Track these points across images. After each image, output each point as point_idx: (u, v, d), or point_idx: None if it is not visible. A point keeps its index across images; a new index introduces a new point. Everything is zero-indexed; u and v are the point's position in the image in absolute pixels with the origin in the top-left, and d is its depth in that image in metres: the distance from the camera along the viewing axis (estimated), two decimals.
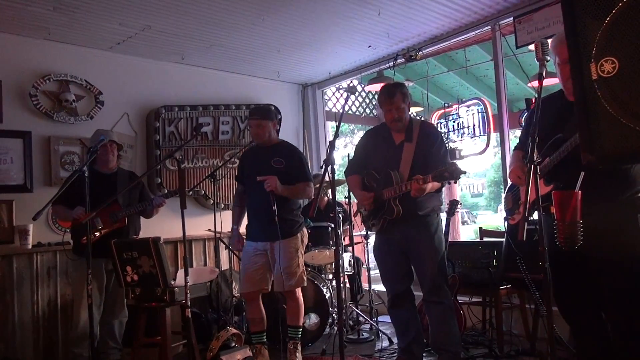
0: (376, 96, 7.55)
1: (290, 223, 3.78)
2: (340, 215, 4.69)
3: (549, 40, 2.26)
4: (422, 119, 6.24)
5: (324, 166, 2.66)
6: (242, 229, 4.03)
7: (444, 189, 3.53)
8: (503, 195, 3.19)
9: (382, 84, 5.81)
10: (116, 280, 3.80)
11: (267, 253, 3.78)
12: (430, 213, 3.36)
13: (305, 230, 3.95)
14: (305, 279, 3.91)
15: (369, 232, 5.42)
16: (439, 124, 6.24)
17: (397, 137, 3.42)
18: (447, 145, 3.51)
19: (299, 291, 3.86)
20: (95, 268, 3.69)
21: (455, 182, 3.10)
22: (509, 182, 2.96)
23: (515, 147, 3.00)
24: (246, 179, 3.91)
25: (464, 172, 2.94)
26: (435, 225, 3.39)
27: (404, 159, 3.32)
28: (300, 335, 3.91)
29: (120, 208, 3.84)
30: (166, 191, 4.35)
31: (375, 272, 5.29)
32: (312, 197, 3.91)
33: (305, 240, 3.95)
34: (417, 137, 3.36)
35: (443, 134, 5.93)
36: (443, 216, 3.70)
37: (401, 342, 3.53)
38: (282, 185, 3.67)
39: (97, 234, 3.72)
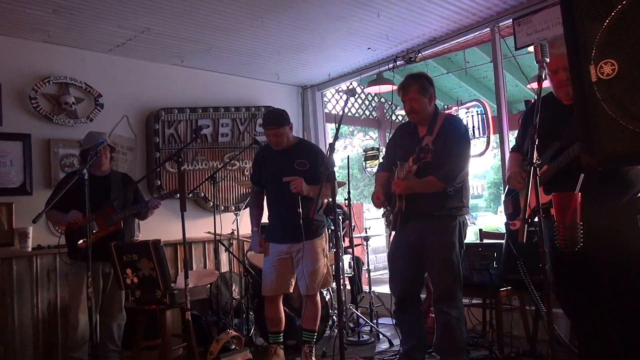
0: (375, 98, 7.57)
1: (316, 224, 3.73)
2: (340, 218, 4.69)
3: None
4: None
5: (324, 168, 2.66)
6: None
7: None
8: (503, 197, 3.19)
9: (381, 86, 5.86)
10: (112, 283, 3.79)
11: (291, 255, 3.71)
12: (446, 214, 3.19)
13: (326, 231, 3.90)
14: (331, 279, 3.85)
15: (369, 234, 5.43)
16: None
17: (422, 131, 3.30)
18: (467, 140, 3.29)
19: (318, 295, 3.81)
20: (91, 271, 3.67)
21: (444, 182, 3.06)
22: (508, 187, 2.95)
23: (512, 149, 3.00)
24: (266, 181, 3.84)
25: (430, 150, 2.82)
26: (452, 228, 3.20)
27: None
28: (315, 340, 3.88)
29: (115, 211, 3.82)
30: (164, 192, 4.31)
31: (375, 274, 5.30)
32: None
33: (327, 241, 3.90)
34: (438, 130, 3.22)
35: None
36: None
37: (403, 345, 3.46)
38: (309, 186, 3.60)
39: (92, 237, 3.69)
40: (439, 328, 3.27)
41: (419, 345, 3.38)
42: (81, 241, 3.65)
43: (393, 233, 3.48)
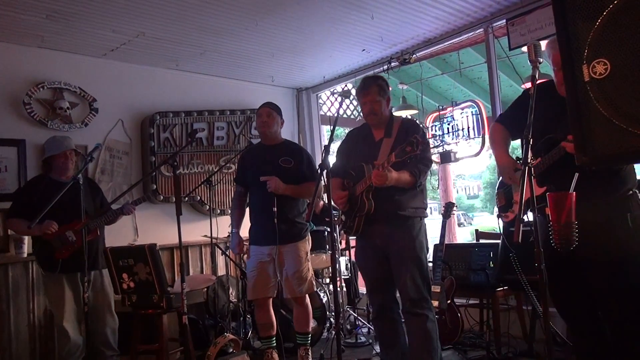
0: None
1: (299, 226, 3.73)
2: (336, 219, 4.68)
3: (542, 43, 2.28)
4: (418, 121, 6.25)
5: (319, 170, 2.66)
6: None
7: (439, 190, 3.42)
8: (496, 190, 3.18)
9: None
10: (95, 290, 3.74)
11: (273, 258, 3.68)
12: (411, 215, 3.09)
13: (309, 234, 3.89)
14: (314, 283, 3.85)
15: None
16: (433, 127, 6.26)
17: (377, 134, 3.24)
18: (429, 142, 3.24)
19: (307, 297, 3.79)
20: (72, 282, 3.65)
21: (421, 171, 3.01)
22: (500, 179, 2.95)
23: (498, 118, 2.96)
24: (250, 180, 3.81)
25: (422, 143, 2.72)
26: (417, 229, 3.11)
27: (381, 154, 3.09)
28: (309, 341, 3.87)
29: (90, 219, 3.67)
30: (138, 198, 4.18)
31: None
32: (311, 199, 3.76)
33: (310, 245, 3.88)
34: (397, 132, 3.15)
35: (427, 130, 5.87)
36: (435, 221, 3.54)
37: (386, 355, 3.26)
38: (287, 185, 3.60)
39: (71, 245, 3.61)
40: (415, 333, 3.06)
41: (404, 354, 3.18)
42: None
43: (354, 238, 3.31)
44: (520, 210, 1.96)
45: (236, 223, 3.90)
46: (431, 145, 5.88)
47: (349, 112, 7.47)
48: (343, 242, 5.16)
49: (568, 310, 2.57)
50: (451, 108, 6.13)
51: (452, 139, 6.00)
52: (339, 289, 4.82)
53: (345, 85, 6.38)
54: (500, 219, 2.97)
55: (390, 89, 3.30)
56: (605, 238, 2.28)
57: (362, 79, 3.39)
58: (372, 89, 3.19)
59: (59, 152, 3.75)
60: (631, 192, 2.34)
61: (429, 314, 3.04)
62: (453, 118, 6.05)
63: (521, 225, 1.91)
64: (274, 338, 3.84)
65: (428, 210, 3.30)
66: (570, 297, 2.51)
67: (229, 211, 5.48)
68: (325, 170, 2.62)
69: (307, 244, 3.81)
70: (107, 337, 3.79)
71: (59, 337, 3.71)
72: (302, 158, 3.79)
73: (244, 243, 3.89)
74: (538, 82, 2.12)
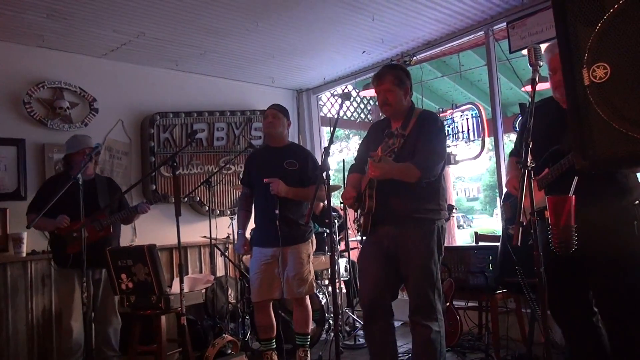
0: (371, 101, 7.59)
1: (303, 228, 3.72)
2: (335, 221, 4.68)
3: (542, 46, 2.29)
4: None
5: (319, 172, 2.65)
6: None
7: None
8: (499, 200, 3.18)
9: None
10: (104, 289, 3.76)
11: (277, 259, 3.66)
12: (423, 217, 2.84)
13: (314, 236, 3.88)
14: (314, 285, 3.85)
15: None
16: None
17: (395, 127, 2.97)
18: (444, 135, 3.03)
19: (307, 298, 3.79)
20: (82, 278, 3.66)
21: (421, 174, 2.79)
22: (505, 190, 2.95)
23: (510, 152, 2.98)
24: (255, 181, 3.81)
25: (400, 135, 2.54)
26: (430, 233, 2.85)
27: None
28: (309, 343, 3.86)
29: (105, 216, 3.75)
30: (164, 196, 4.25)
31: None
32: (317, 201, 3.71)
33: (314, 247, 3.87)
34: (413, 125, 2.92)
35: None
36: None
37: None
38: (290, 187, 3.60)
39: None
40: (416, 345, 2.86)
41: None
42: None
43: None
44: (520, 213, 1.96)
45: (242, 224, 3.90)
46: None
47: (349, 114, 7.47)
48: (342, 243, 5.16)
49: (564, 315, 2.55)
50: (451, 110, 6.14)
51: (452, 141, 6.00)
52: (338, 290, 4.82)
53: (346, 87, 6.38)
54: (507, 231, 2.96)
55: (410, 80, 3.08)
56: (610, 239, 2.27)
57: (381, 67, 3.18)
58: (387, 77, 2.95)
59: (77, 150, 3.79)
60: (638, 202, 2.33)
61: (433, 326, 2.77)
62: (453, 120, 6.06)
63: (520, 229, 1.91)
64: (274, 340, 3.83)
65: None
66: (567, 301, 2.50)
67: (228, 212, 5.51)
68: (325, 172, 2.62)
69: (310, 246, 3.79)
70: (109, 337, 3.81)
71: (62, 333, 3.74)
72: (307, 161, 3.79)
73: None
74: (536, 102, 2.12)
